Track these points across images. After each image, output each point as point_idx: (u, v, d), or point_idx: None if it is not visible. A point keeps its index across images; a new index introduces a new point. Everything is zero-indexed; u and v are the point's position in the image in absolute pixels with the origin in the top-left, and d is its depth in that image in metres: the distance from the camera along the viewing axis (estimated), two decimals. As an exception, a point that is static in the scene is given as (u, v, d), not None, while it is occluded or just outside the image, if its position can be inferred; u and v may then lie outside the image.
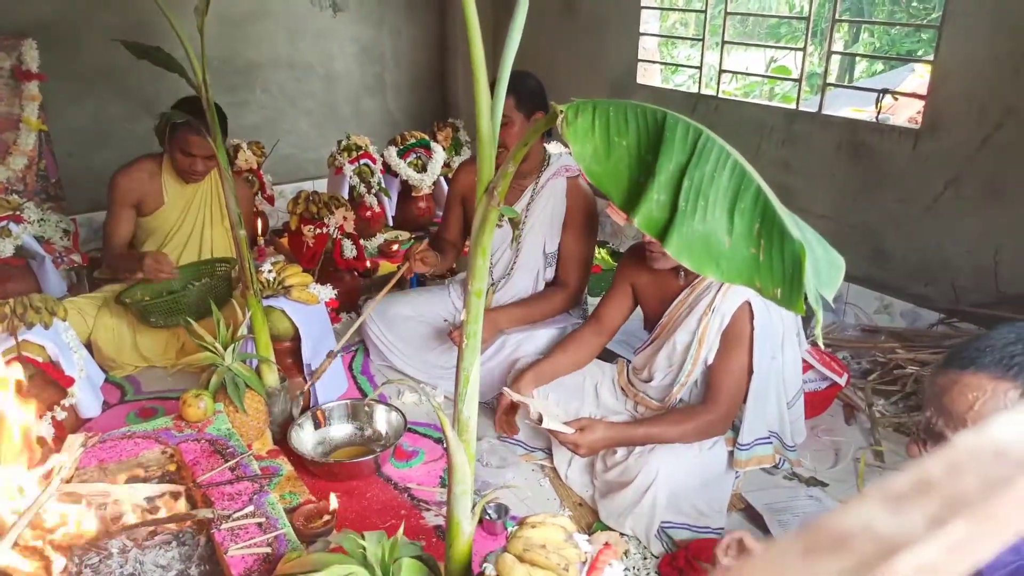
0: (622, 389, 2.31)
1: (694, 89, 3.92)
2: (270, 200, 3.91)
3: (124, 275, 2.87)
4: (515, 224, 1.44)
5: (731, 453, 2.09)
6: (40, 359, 2.23)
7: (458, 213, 2.83)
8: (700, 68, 3.79)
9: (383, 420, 2.40)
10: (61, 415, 2.27)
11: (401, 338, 2.78)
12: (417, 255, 2.52)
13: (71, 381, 2.29)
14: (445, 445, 1.34)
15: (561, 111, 1.02)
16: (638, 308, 2.32)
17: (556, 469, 2.26)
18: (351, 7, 4.68)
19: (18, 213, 3.20)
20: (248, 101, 4.49)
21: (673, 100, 3.91)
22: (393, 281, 2.49)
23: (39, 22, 3.72)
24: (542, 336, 2.57)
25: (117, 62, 3.84)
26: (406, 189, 4.25)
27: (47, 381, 2.26)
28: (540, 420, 1.95)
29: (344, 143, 4.04)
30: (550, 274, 2.70)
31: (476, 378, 1.28)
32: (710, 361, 2.05)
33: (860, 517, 0.25)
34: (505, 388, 2.21)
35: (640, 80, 4.06)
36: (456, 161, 4.52)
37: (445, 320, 2.77)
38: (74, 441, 1.64)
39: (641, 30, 3.98)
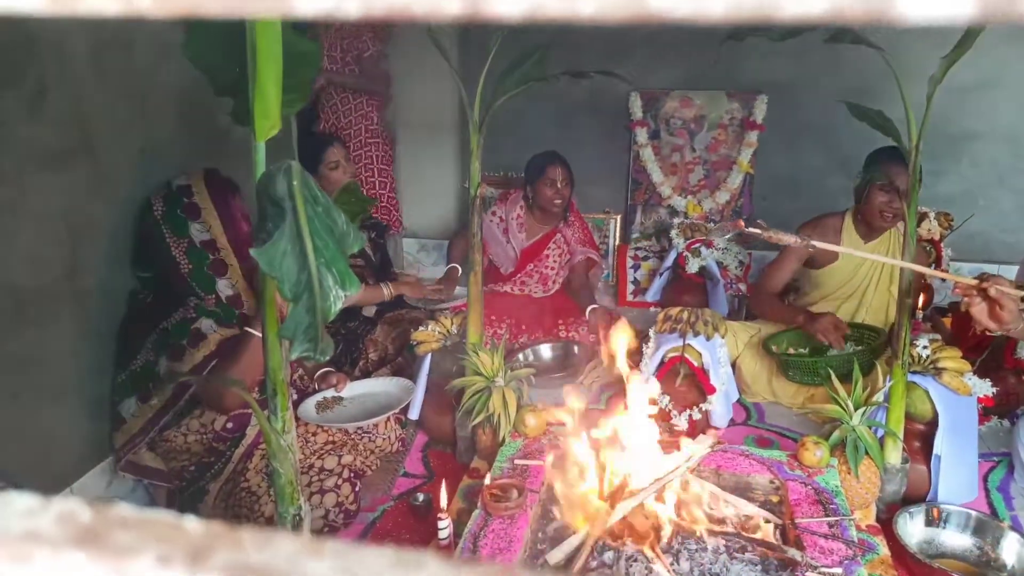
0: None
1: None
2: (942, 275, 3.65)
3: (771, 316, 3.05)
4: None
5: None
6: (696, 363, 2.59)
7: None
8: None
9: (1013, 551, 2.04)
10: (697, 416, 2.61)
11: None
12: None
13: (713, 390, 2.60)
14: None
15: None
16: None
17: None
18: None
19: (710, 239, 3.75)
20: (947, 170, 4.25)
21: None
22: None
23: (773, 81, 4.23)
24: None
25: (828, 120, 4.11)
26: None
27: (694, 383, 2.62)
28: None
29: (1053, 230, 3.48)
30: None
31: None
32: None
33: None
34: None
35: None
36: None
37: None
38: (705, 440, 1.87)
39: None
